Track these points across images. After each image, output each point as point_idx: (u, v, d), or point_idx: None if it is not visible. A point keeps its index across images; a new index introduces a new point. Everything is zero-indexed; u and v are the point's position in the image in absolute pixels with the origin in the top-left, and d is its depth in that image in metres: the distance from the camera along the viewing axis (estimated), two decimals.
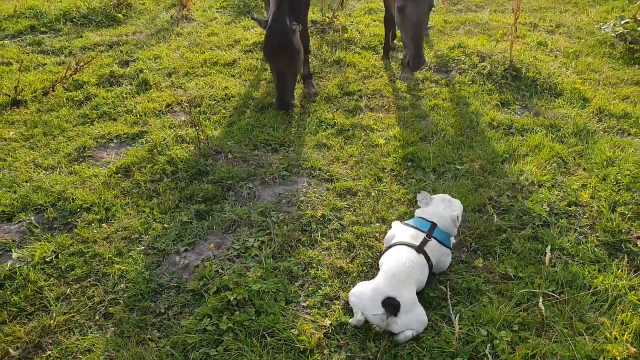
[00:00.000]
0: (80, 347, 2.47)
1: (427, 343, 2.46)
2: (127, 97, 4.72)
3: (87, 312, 2.66)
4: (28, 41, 5.92)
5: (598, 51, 5.79)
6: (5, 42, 5.92)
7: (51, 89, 4.72)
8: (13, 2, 6.78)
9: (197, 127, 3.80)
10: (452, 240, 2.95)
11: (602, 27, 6.18)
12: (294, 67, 4.31)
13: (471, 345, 2.45)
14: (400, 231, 2.88)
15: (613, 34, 5.92)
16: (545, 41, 5.98)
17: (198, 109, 4.37)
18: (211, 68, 5.33)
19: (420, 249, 2.70)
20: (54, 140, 4.09)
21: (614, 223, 3.14)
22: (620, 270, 2.83)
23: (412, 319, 2.48)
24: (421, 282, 2.67)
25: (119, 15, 6.75)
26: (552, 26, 6.57)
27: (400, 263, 2.62)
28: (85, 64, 4.88)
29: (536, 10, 7.21)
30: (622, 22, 5.97)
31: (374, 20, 6.69)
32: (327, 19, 6.28)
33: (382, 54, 5.62)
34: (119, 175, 3.64)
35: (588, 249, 3.00)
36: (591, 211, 3.28)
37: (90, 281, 2.83)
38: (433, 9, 4.44)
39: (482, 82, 5.00)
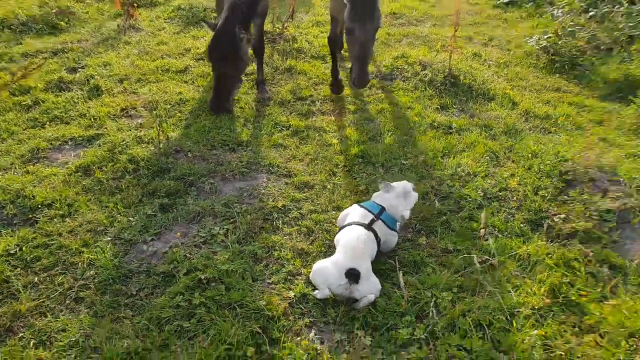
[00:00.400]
0: (53, 328, 2.70)
1: (380, 306, 2.89)
2: (78, 102, 4.93)
3: (58, 298, 2.90)
4: None
5: (525, 62, 6.58)
6: None
7: None
8: None
9: (158, 127, 4.10)
10: (398, 224, 3.41)
11: (528, 41, 7.01)
12: (234, 73, 4.68)
13: (418, 305, 2.90)
14: (353, 212, 3.32)
15: (537, 47, 6.74)
16: (480, 52, 6.72)
17: (154, 112, 4.66)
18: (163, 75, 5.63)
19: (369, 226, 3.15)
20: (3, 143, 4.25)
21: (536, 204, 3.73)
22: (540, 240, 3.40)
23: (370, 285, 2.91)
24: (372, 255, 3.11)
25: (62, 23, 6.89)
26: (485, 39, 7.36)
27: (356, 239, 3.05)
28: (34, 69, 5.05)
29: (472, 25, 8.02)
30: (545, 36, 6.83)
31: (322, 32, 7.20)
32: (277, 30, 6.73)
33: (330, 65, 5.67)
34: (78, 174, 3.87)
35: (515, 225, 3.56)
36: (518, 195, 3.86)
37: (58, 270, 3.06)
38: (379, 29, 4.74)
39: (423, 89, 5.60)
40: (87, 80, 5.32)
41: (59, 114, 4.69)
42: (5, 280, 2.93)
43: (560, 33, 6.66)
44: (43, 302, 2.84)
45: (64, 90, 5.13)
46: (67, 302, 2.87)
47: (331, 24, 5.47)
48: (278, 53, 6.33)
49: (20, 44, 6.22)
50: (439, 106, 5.26)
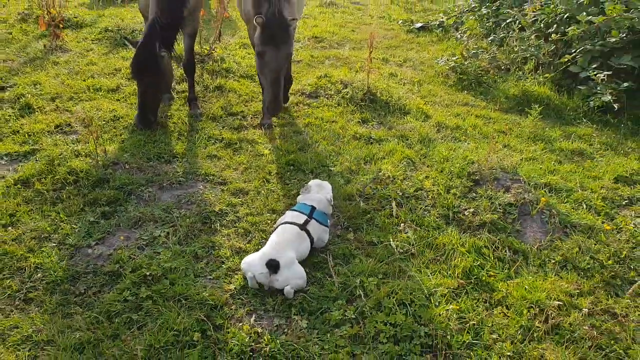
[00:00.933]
0: (5, 326, 2.82)
1: (314, 293, 3.23)
2: (10, 120, 4.97)
3: (6, 300, 3.01)
4: None
5: (436, 80, 7.30)
6: None
7: None
8: None
9: (95, 141, 4.26)
10: (329, 221, 3.80)
11: (439, 62, 7.77)
12: (157, 88, 4.93)
13: (348, 290, 3.27)
14: (287, 215, 3.67)
15: (447, 67, 7.50)
16: (396, 72, 7.37)
17: (89, 128, 4.80)
18: (95, 93, 5.76)
19: (303, 227, 3.51)
20: None
21: (449, 201, 4.26)
22: (452, 232, 3.90)
23: (292, 275, 3.21)
24: (303, 252, 3.45)
25: None
26: (400, 61, 8.07)
27: (281, 235, 3.40)
28: None
29: (388, 48, 8.74)
30: (453, 57, 7.62)
31: (249, 53, 7.60)
32: (205, 51, 7.03)
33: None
34: (17, 186, 3.95)
35: (431, 220, 4.05)
36: (433, 194, 4.37)
37: (5, 274, 3.16)
38: (292, 56, 4.83)
39: (345, 105, 6.10)
40: (18, 98, 5.35)
41: None
42: None
43: (465, 55, 7.48)
44: None
45: None
46: (17, 302, 2.98)
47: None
48: (207, 72, 6.64)
49: None
50: (360, 120, 5.77)
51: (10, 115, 5.04)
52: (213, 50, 7.11)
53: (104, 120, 5.14)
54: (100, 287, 3.14)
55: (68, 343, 2.72)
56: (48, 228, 3.56)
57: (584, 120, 6.15)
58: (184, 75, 5.61)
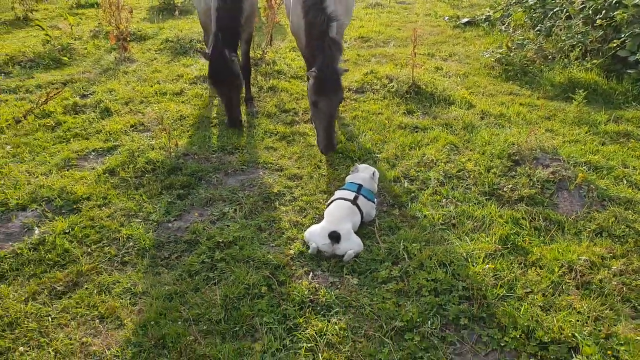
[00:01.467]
0: (109, 281, 3.51)
1: (363, 257, 3.77)
2: (93, 122, 5.80)
3: (107, 262, 3.71)
4: None
5: (482, 72, 7.67)
6: None
7: (23, 118, 5.70)
8: None
9: (168, 135, 4.99)
10: (375, 198, 4.32)
11: (484, 54, 8.14)
12: (237, 90, 5.58)
13: (393, 254, 3.78)
14: (337, 193, 4.23)
15: (492, 59, 7.86)
16: (441, 66, 7.80)
17: (162, 125, 5.54)
18: (162, 97, 6.54)
19: (354, 202, 4.05)
20: (38, 155, 5.08)
21: (489, 179, 4.67)
22: (492, 206, 4.32)
23: (351, 243, 3.78)
24: (355, 224, 3.99)
25: (64, 58, 7.81)
26: (446, 55, 8.48)
27: (337, 210, 3.96)
28: (54, 95, 5.92)
29: (433, 44, 9.16)
30: (499, 49, 7.97)
31: (298, 56, 8.23)
32: (258, 55, 7.73)
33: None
34: (106, 175, 4.71)
35: (472, 196, 4.48)
36: (474, 174, 4.80)
37: (104, 243, 3.88)
38: (343, 101, 5.07)
39: (391, 98, 6.60)
40: (98, 104, 6.20)
41: (79, 132, 5.54)
42: (65, 250, 3.75)
43: (510, 46, 7.81)
44: (97, 265, 3.65)
45: (79, 113, 6.00)
46: (115, 264, 3.68)
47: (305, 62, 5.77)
48: (261, 74, 7.32)
49: (32, 77, 7.10)
50: (405, 111, 6.25)
51: (93, 118, 5.87)
52: (265, 54, 7.79)
53: (172, 120, 5.89)
54: (180, 253, 3.80)
55: (159, 294, 3.38)
56: (134, 207, 4.27)
57: (634, 104, 6.34)
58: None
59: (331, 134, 4.81)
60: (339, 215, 3.92)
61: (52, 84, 6.88)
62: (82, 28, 9.55)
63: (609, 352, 2.90)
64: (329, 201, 4.21)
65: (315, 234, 3.82)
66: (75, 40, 8.57)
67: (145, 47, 8.64)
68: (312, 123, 5.58)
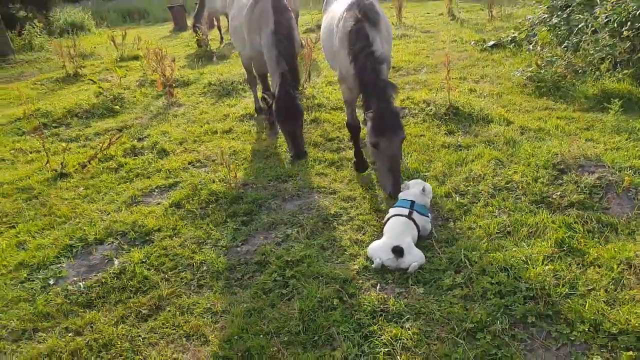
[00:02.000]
0: (189, 303, 3.77)
1: (425, 268, 3.94)
2: (152, 162, 6.20)
3: (184, 286, 3.98)
4: (47, 134, 7.36)
5: (515, 90, 7.87)
6: (27, 137, 7.33)
7: (88, 163, 6.14)
8: (21, 107, 8.27)
9: (228, 168, 5.32)
10: (430, 215, 4.51)
11: (515, 74, 8.36)
12: (301, 125, 5.73)
13: (454, 263, 3.95)
14: (391, 210, 4.44)
15: (524, 78, 8.07)
16: (474, 88, 8.04)
17: (216, 160, 5.89)
18: (213, 135, 6.94)
19: (409, 217, 4.26)
20: (106, 195, 5.47)
21: (537, 188, 4.83)
22: (544, 212, 4.47)
23: (413, 256, 3.97)
24: (414, 237, 4.19)
25: (117, 107, 8.36)
26: (477, 78, 8.73)
27: (396, 224, 4.17)
28: (114, 140, 6.38)
29: (463, 68, 9.43)
30: (529, 68, 8.19)
31: (335, 89, 8.61)
32: (299, 91, 8.13)
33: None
34: (172, 208, 5.05)
35: (523, 206, 4.64)
36: (522, 184, 4.96)
37: (179, 269, 4.17)
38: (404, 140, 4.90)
39: (430, 120, 6.85)
40: (154, 145, 6.63)
41: (140, 172, 5.95)
42: (145, 277, 4.04)
43: (539, 63, 8.02)
44: (176, 289, 3.92)
45: (138, 155, 6.43)
46: (193, 288, 3.95)
47: (346, 109, 5.61)
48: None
49: (90, 126, 7.63)
50: (446, 131, 6.48)
51: (152, 159, 6.28)
52: (305, 89, 8.19)
53: (226, 155, 6.24)
54: (252, 273, 4.05)
55: (238, 311, 3.62)
56: (203, 235, 4.57)
57: None
58: None
59: (397, 177, 4.64)
60: (398, 230, 4.12)
61: (109, 131, 7.37)
62: (129, 79, 10.19)
63: None
64: (385, 218, 4.42)
65: (379, 250, 4.03)
66: (124, 90, 9.16)
67: (189, 92, 9.16)
68: (373, 165, 5.32)
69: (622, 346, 3.01)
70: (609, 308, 3.31)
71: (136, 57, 12.40)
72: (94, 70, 11.75)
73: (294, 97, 5.63)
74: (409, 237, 4.11)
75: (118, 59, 12.54)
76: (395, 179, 4.64)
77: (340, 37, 5.06)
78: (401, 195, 4.56)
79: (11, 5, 16.89)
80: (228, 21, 8.51)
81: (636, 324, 3.11)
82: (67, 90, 10.00)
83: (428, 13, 16.92)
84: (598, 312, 3.27)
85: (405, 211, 4.31)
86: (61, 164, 5.99)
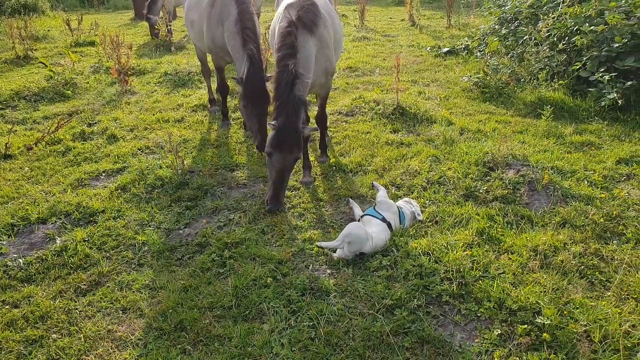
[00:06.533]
0: (128, 280, 3.98)
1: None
2: (101, 147, 6.34)
3: (125, 264, 4.19)
4: None
5: (461, 95, 8.35)
6: None
7: (34, 145, 6.22)
8: None
9: (175, 153, 5.53)
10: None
11: (464, 79, 8.85)
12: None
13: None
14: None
15: (471, 83, 8.57)
16: (423, 91, 8.48)
17: (166, 147, 6.08)
18: (165, 124, 7.11)
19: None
20: (52, 177, 5.58)
21: (467, 183, 5.24)
22: (470, 205, 4.88)
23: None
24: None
25: (68, 92, 8.40)
26: (428, 81, 9.19)
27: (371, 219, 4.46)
28: (63, 124, 6.47)
29: (416, 72, 9.88)
30: (477, 74, 8.69)
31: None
32: None
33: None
34: (118, 191, 5.22)
35: (452, 198, 5.04)
36: (453, 179, 5.37)
37: (121, 249, 4.36)
38: (299, 161, 4.97)
39: (378, 119, 7.22)
40: (104, 131, 6.75)
41: (88, 156, 6.07)
42: (86, 255, 4.23)
43: (486, 70, 8.53)
44: (116, 267, 4.13)
45: (87, 140, 6.55)
46: (133, 266, 4.16)
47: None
48: None
49: (38, 109, 7.66)
50: (391, 130, 6.87)
51: (101, 144, 6.41)
52: None
53: (176, 143, 6.43)
54: (192, 254, 4.29)
55: (175, 287, 3.85)
56: (147, 218, 4.77)
57: (596, 118, 7.01)
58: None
59: (279, 191, 4.71)
60: (375, 222, 4.40)
61: (58, 115, 7.43)
62: (83, 64, 10.20)
63: (565, 312, 3.42)
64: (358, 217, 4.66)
65: (362, 238, 4.17)
66: (77, 75, 9.19)
67: (145, 81, 9.27)
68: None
69: (519, 320, 3.41)
70: (514, 288, 3.71)
71: (92, 43, 12.34)
72: (47, 54, 11.64)
73: (264, 78, 5.64)
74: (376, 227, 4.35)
75: (73, 44, 12.44)
76: (274, 193, 4.73)
77: (274, 36, 5.27)
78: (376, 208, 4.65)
79: None
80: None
81: (533, 301, 3.53)
82: (16, 73, 9.92)
83: (390, 18, 17.43)
84: (503, 291, 3.67)
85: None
86: (5, 145, 6.05)
